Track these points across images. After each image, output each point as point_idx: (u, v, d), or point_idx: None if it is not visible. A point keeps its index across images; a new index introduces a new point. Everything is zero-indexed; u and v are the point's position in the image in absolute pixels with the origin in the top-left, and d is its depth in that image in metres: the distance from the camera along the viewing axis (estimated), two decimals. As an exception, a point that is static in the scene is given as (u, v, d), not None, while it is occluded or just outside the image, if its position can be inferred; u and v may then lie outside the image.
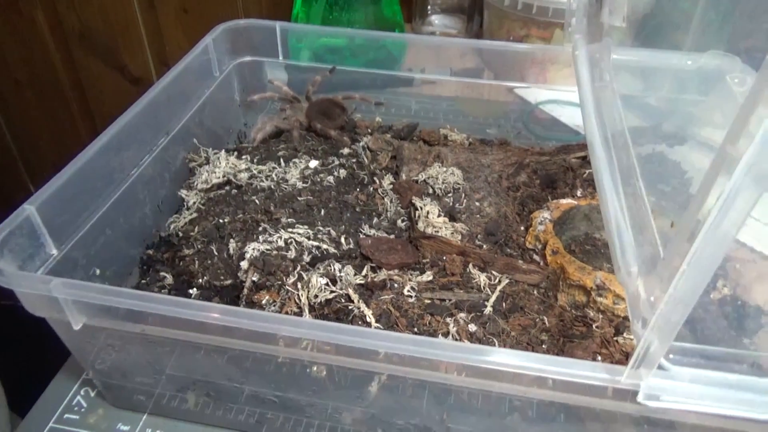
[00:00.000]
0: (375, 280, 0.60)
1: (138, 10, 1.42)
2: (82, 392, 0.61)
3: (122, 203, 0.63)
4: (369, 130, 0.90)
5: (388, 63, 1.00)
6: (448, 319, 0.56)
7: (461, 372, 0.44)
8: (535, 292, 0.61)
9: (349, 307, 0.56)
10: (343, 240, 0.65)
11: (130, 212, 0.66)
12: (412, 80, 1.01)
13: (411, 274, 0.62)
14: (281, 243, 0.62)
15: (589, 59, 0.64)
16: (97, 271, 0.60)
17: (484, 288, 0.60)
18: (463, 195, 0.73)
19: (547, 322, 0.57)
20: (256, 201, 0.69)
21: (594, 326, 0.56)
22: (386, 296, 0.57)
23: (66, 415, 0.59)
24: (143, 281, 0.64)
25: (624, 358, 0.52)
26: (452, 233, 0.67)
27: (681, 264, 0.32)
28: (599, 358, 0.52)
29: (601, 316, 0.57)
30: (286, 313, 0.57)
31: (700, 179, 0.34)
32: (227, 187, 0.73)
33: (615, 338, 0.54)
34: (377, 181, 0.76)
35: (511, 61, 0.93)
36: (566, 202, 0.70)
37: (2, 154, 1.67)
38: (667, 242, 0.40)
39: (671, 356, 0.37)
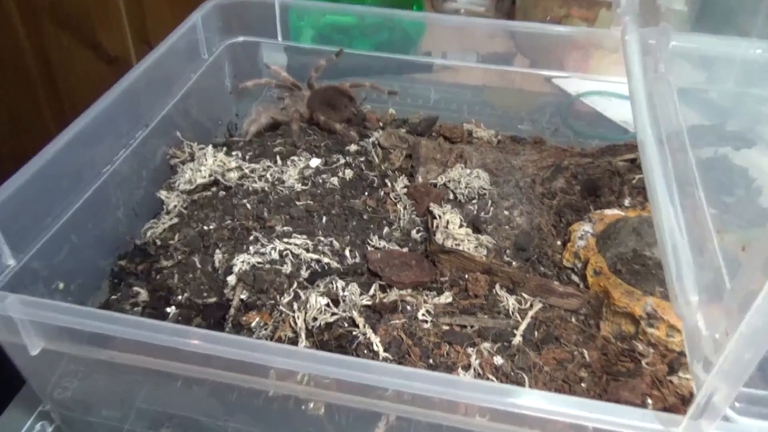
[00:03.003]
0: (384, 301, 0.59)
1: (117, -21, 1.43)
2: (38, 427, 0.61)
3: (91, 206, 0.63)
4: (380, 124, 0.89)
5: (403, 45, 0.99)
6: (469, 350, 0.55)
7: (484, 415, 0.43)
8: (574, 319, 0.60)
9: (354, 333, 0.55)
10: (347, 253, 0.64)
11: (101, 216, 0.65)
12: (431, 66, 1.00)
13: (427, 295, 0.61)
14: (275, 255, 0.62)
15: (641, 46, 0.63)
16: (61, 285, 0.59)
17: (512, 313, 0.59)
18: (490, 202, 0.72)
19: (587, 356, 0.56)
20: (248, 205, 0.68)
21: (643, 362, 0.55)
22: (397, 321, 0.57)
23: (19, 453, 0.59)
24: (113, 297, 0.64)
25: (679, 401, 0.51)
26: (476, 247, 0.66)
27: (756, 297, 0.31)
28: (649, 401, 0.51)
29: (651, 350, 0.56)
30: (279, 338, 0.56)
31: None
32: (214, 189, 0.72)
33: (668, 377, 0.53)
34: (389, 184, 0.75)
35: (547, 46, 0.92)
36: (612, 212, 0.69)
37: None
38: (734, 266, 0.39)
39: (737, 405, 0.36)
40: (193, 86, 0.80)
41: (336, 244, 0.65)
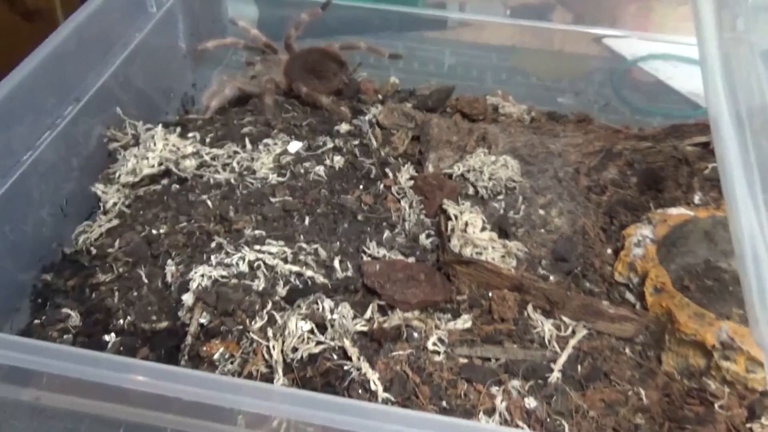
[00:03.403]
0: (384, 326, 0.59)
1: None
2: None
3: (8, 204, 0.63)
4: (379, 97, 0.90)
5: (409, -6, 1.00)
6: (494, 389, 0.55)
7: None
8: (628, 350, 0.60)
9: (345, 368, 0.56)
10: (336, 264, 0.65)
11: (20, 218, 0.66)
12: (445, 21, 1.01)
13: (439, 319, 0.61)
14: (244, 267, 0.62)
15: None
16: (-30, 306, 0.60)
17: (549, 342, 0.59)
18: (521, 198, 0.72)
19: (644, 397, 0.56)
20: (208, 202, 0.69)
21: (717, 405, 0.55)
22: (401, 352, 0.57)
23: None
24: (36, 321, 0.64)
25: (762, 455, 0.52)
26: (503, 257, 0.67)
27: None
28: (724, 454, 0.52)
29: (727, 389, 0.56)
30: (250, 373, 0.56)
31: None
32: (165, 181, 0.73)
33: (748, 424, 0.53)
34: (390, 175, 0.75)
35: (596, -5, 0.92)
36: (678, 212, 0.69)
37: None
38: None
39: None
40: (137, 48, 0.80)
41: (322, 252, 0.65)
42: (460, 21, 1.01)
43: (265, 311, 0.59)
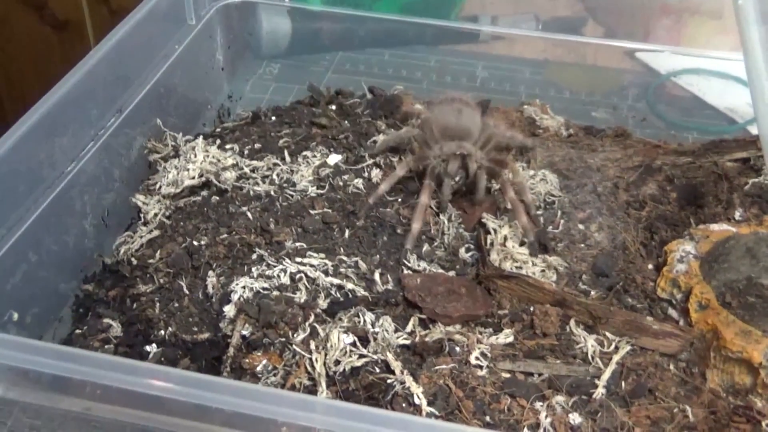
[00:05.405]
0: (426, 340, 0.59)
1: None
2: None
3: (52, 214, 0.63)
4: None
5: (441, 7, 1.00)
6: (537, 405, 0.55)
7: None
8: (672, 366, 0.59)
9: (388, 381, 0.56)
10: (377, 277, 0.65)
11: (63, 228, 0.66)
12: (477, 35, 1.01)
13: (481, 333, 0.61)
14: (285, 279, 0.62)
15: (761, 11, 0.63)
16: (15, 316, 0.60)
17: (592, 358, 0.59)
18: (560, 213, 0.72)
19: (690, 415, 0.55)
20: (249, 214, 0.69)
21: (764, 424, 0.54)
22: (443, 366, 0.57)
23: None
24: (78, 330, 0.65)
25: (814, 476, 0.51)
26: (543, 271, 0.66)
27: None
28: (774, 474, 0.51)
29: (775, 408, 0.56)
30: (293, 386, 0.56)
31: None
32: (205, 193, 0.73)
33: (798, 444, 0.53)
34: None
35: (628, 10, 0.92)
36: (719, 228, 0.68)
37: None
38: None
39: None
40: (177, 60, 0.81)
41: (362, 265, 0.65)
42: (492, 34, 1.01)
43: (307, 324, 0.59)
